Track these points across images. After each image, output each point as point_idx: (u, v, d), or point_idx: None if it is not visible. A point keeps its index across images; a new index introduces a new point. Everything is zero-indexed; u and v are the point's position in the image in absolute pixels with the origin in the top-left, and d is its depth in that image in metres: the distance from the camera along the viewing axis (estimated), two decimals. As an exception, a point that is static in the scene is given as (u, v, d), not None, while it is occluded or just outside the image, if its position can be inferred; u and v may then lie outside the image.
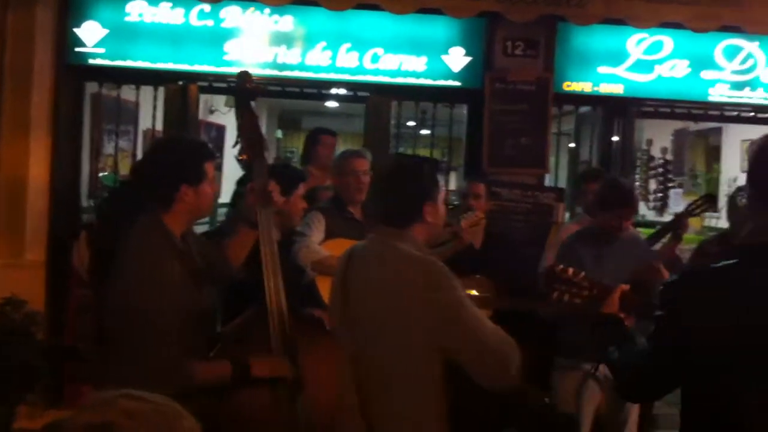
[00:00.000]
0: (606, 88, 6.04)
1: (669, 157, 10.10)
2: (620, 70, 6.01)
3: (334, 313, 2.64)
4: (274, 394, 2.74)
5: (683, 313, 1.91)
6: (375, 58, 5.93)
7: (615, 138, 6.45)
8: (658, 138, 10.17)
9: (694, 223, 6.75)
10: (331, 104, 9.45)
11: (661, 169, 9.90)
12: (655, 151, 10.26)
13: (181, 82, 6.00)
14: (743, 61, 6.08)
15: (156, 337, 2.53)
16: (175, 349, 2.54)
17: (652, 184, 10.11)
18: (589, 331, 2.43)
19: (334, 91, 6.36)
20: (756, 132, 7.56)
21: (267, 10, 5.85)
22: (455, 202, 5.55)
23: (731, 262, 1.91)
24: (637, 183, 10.20)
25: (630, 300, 2.46)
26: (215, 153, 3.00)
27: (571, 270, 2.55)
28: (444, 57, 5.98)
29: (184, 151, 2.80)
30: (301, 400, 2.76)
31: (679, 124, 9.47)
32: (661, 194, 9.81)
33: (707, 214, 7.07)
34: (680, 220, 4.72)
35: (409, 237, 2.46)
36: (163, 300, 2.56)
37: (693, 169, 10.14)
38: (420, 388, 2.36)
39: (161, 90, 6.10)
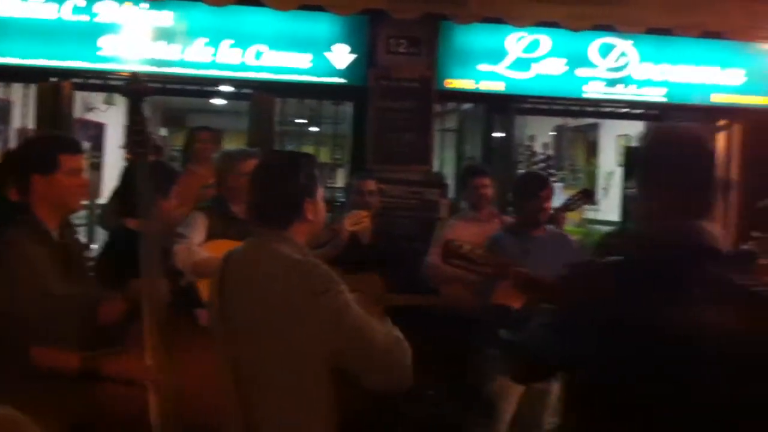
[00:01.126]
0: (487, 86, 6.16)
1: (550, 152, 10.40)
2: (500, 68, 6.15)
3: (211, 315, 2.57)
4: (127, 391, 2.70)
5: (573, 305, 1.95)
6: (258, 55, 5.86)
7: (497, 134, 6.60)
8: (539, 134, 10.45)
9: (573, 216, 6.97)
10: (218, 102, 9.28)
11: (543, 164, 10.19)
12: (538, 147, 10.55)
13: (54, 79, 5.76)
14: (617, 59, 6.32)
15: (11, 324, 2.63)
16: (27, 334, 2.62)
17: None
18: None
19: (217, 88, 6.25)
20: (631, 128, 7.91)
21: (145, 5, 5.69)
22: (341, 200, 5.55)
23: (619, 258, 1.95)
24: (521, 178, 10.44)
25: (529, 281, 2.45)
26: (80, 147, 2.97)
27: (467, 246, 2.55)
28: (328, 54, 5.97)
29: (35, 142, 3.03)
30: (174, 398, 2.70)
31: (559, 120, 9.77)
32: (543, 189, 10.09)
33: (587, 207, 7.34)
34: (557, 215, 4.86)
35: (288, 238, 2.36)
36: (22, 289, 2.66)
37: (573, 163, 10.47)
38: (303, 394, 2.29)
39: (34, 87, 5.85)
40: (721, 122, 6.84)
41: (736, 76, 6.49)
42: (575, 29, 5.84)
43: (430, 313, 4.43)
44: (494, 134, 6.62)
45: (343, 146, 6.79)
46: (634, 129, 7.90)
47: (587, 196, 5.08)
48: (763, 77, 6.53)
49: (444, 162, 7.05)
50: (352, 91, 6.09)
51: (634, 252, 1.95)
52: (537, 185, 4.33)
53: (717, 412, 1.79)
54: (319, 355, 2.26)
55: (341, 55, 5.99)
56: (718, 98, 6.50)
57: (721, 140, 6.88)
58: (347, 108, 6.44)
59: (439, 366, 4.51)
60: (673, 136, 1.98)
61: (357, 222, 4.53)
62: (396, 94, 5.93)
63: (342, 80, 6.01)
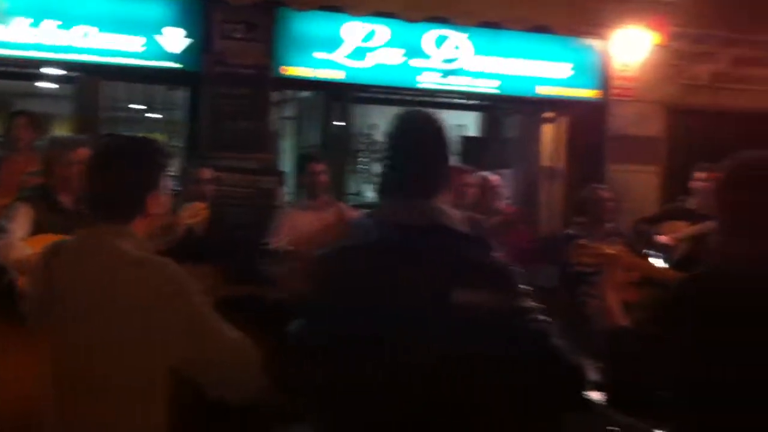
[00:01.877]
0: (325, 74, 6.17)
1: (386, 141, 10.53)
2: (338, 57, 6.16)
3: (33, 313, 2.37)
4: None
5: (318, 286, 1.99)
6: (86, 36, 5.58)
7: (337, 123, 6.62)
8: (380, 123, 10.57)
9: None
10: (45, 85, 8.77)
11: (382, 153, 10.32)
12: (378, 136, 10.67)
13: None
14: (451, 51, 6.48)
15: None
16: None
17: (376, 167, 10.50)
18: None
19: (41, 70, 5.91)
20: (466, 118, 8.15)
21: (-42, -20, 5.30)
22: (176, 189, 5.38)
23: (358, 240, 1.99)
24: (363, 166, 10.57)
25: None
26: None
27: (273, 244, 2.54)
28: (161, 38, 5.77)
29: None
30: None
31: (399, 110, 9.90)
32: (384, 177, 10.24)
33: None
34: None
35: (129, 233, 2.15)
36: None
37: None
38: (139, 401, 2.10)
39: None
40: (549, 114, 7.16)
41: (562, 69, 6.81)
42: (411, 20, 5.94)
43: (270, 304, 4.40)
44: (333, 123, 6.64)
45: (178, 133, 6.61)
46: (470, 120, 8.16)
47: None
48: (589, 71, 6.89)
49: (284, 150, 7.00)
50: (186, 76, 5.93)
51: (373, 233, 1.98)
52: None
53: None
54: (163, 361, 2.08)
55: (175, 39, 5.81)
56: (545, 90, 6.80)
57: (548, 131, 7.22)
58: (183, 94, 6.26)
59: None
60: (404, 121, 2.03)
61: (194, 214, 4.41)
62: (232, 81, 5.82)
63: (176, 65, 5.84)
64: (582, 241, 3.56)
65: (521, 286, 1.90)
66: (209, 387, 2.13)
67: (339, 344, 1.90)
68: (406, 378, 1.82)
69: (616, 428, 3.28)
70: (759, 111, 7.40)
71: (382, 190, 2.02)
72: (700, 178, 6.16)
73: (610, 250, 3.04)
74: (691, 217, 5.75)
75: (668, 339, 2.00)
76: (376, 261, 1.90)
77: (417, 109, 2.12)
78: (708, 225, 5.51)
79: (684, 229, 5.60)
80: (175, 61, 5.83)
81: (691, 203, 6.05)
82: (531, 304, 1.90)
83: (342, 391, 1.91)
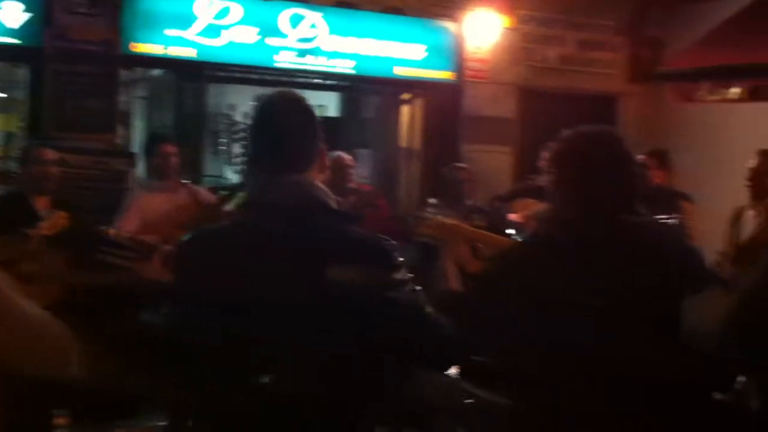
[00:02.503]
0: (177, 51, 5.98)
1: (251, 121, 10.39)
2: (190, 34, 5.99)
3: None
4: None
5: (185, 275, 1.95)
6: None
7: (193, 103, 6.44)
8: (240, 103, 10.39)
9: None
10: None
11: (243, 133, 10.16)
12: (238, 116, 10.48)
13: None
14: (306, 30, 6.42)
15: None
16: None
17: (236, 148, 10.33)
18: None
19: None
20: (326, 98, 8.11)
21: None
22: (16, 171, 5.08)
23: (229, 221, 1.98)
24: (222, 147, 10.36)
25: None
26: None
27: (112, 230, 2.45)
28: (-2, 12, 5.43)
29: None
30: None
31: (259, 89, 9.76)
32: (244, 157, 10.08)
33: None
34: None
35: None
36: None
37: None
38: None
39: None
40: (406, 95, 7.24)
41: (418, 51, 6.89)
42: (265, -2, 5.85)
43: (117, 290, 4.24)
44: (188, 103, 6.46)
45: (19, 112, 6.24)
46: (330, 100, 8.13)
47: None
48: (443, 53, 7.01)
49: (135, 131, 6.74)
50: (26, 52, 5.61)
51: (246, 212, 1.98)
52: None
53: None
54: None
55: (13, 13, 5.47)
56: (403, 71, 6.86)
57: (406, 112, 7.30)
58: (23, 71, 5.92)
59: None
60: (271, 100, 2.02)
61: (53, 225, 4.14)
62: (76, 58, 5.55)
63: (15, 40, 5.50)
64: (424, 215, 3.62)
65: (396, 260, 1.92)
66: (13, 366, 2.05)
67: (210, 333, 1.84)
68: (278, 362, 1.81)
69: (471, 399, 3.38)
70: (603, 92, 7.77)
71: (252, 169, 2.00)
72: (545, 158, 6.42)
73: (448, 221, 3.12)
74: (541, 194, 5.98)
75: (488, 306, 2.08)
76: (247, 243, 1.87)
77: (284, 89, 2.11)
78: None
79: (534, 206, 5.83)
80: (14, 37, 5.50)
81: (541, 181, 6.30)
82: (406, 276, 1.92)
83: (213, 378, 1.86)
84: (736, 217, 5.18)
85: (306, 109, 1.99)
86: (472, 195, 5.49)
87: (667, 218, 5.01)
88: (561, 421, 2.04)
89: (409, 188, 7.30)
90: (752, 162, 5.03)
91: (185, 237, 1.98)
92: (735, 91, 5.62)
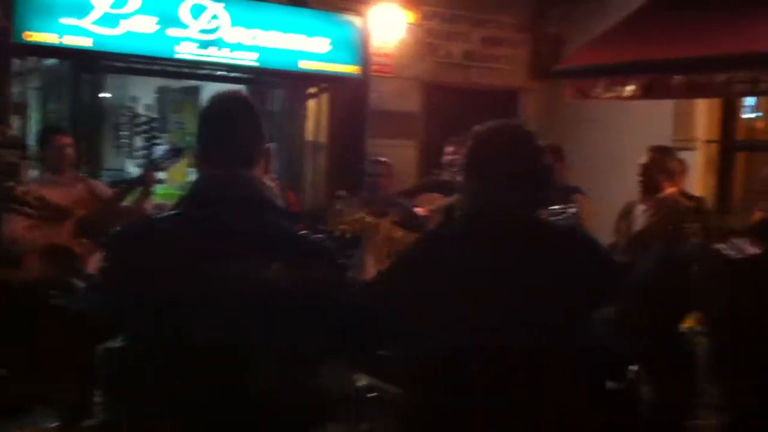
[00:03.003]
0: (72, 41, 5.77)
1: (154, 114, 10.16)
2: (86, 23, 5.79)
3: None
4: None
5: (114, 265, 1.94)
6: None
7: (90, 93, 6.25)
8: (142, 95, 10.15)
9: (176, 177, 6.88)
10: None
11: (145, 126, 9.93)
12: (140, 108, 10.24)
13: None
14: (209, 21, 6.31)
15: None
16: None
17: (138, 141, 10.10)
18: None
19: None
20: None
21: None
22: None
23: (170, 212, 1.97)
24: (124, 140, 10.12)
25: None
26: None
27: (24, 189, 2.42)
28: None
29: None
30: None
31: (161, 81, 9.56)
32: (147, 151, 9.85)
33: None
34: (147, 174, 4.75)
35: None
36: None
37: (182, 125, 10.34)
38: None
39: None
40: (312, 89, 7.21)
41: (323, 44, 6.86)
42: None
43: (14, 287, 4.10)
44: (85, 94, 6.26)
45: None
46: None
47: (177, 154, 5.00)
48: (348, 47, 7.00)
49: (30, 123, 6.49)
50: None
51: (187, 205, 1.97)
52: None
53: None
54: None
55: None
56: (308, 65, 6.82)
57: (311, 106, 7.27)
58: None
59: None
60: (219, 99, 2.06)
61: None
62: (-37, 46, 5.30)
63: None
64: (339, 209, 3.63)
65: (338, 259, 2.01)
66: None
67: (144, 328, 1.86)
68: (216, 358, 1.81)
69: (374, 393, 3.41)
70: (505, 88, 7.92)
71: (200, 163, 2.01)
72: (449, 152, 6.51)
73: (368, 218, 3.14)
74: (446, 189, 6.06)
75: (394, 299, 2.11)
76: (185, 236, 1.88)
77: (231, 90, 2.18)
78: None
79: (439, 200, 5.90)
80: None
81: (446, 175, 6.38)
82: (344, 275, 2.03)
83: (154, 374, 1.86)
84: (627, 211, 5.37)
85: (254, 109, 2.06)
86: (389, 189, 5.53)
87: (563, 209, 5.16)
88: (461, 412, 2.07)
89: (315, 182, 7.28)
90: (644, 158, 5.21)
91: (117, 229, 1.97)
92: (630, 88, 5.81)
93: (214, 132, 2.01)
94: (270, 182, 2.17)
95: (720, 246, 3.43)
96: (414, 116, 7.44)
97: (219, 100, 2.05)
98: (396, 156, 7.00)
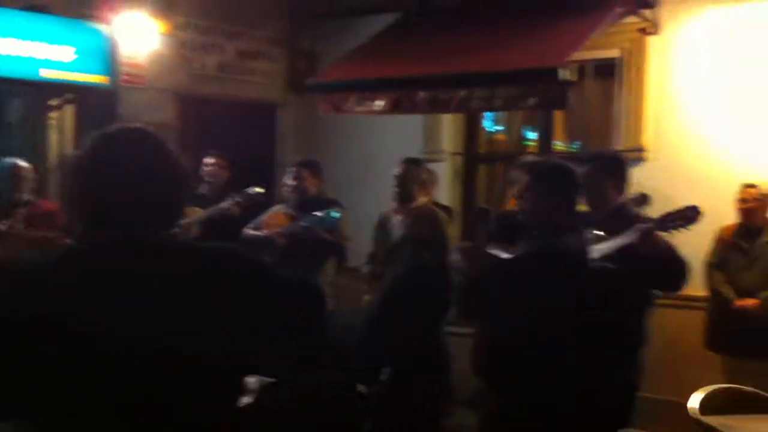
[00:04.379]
0: None
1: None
2: None
3: None
4: None
5: None
6: None
7: None
8: None
9: None
10: None
11: None
12: None
13: None
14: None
15: None
16: None
17: None
18: None
19: None
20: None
21: None
22: None
23: None
24: None
25: None
26: None
27: None
28: None
29: None
30: None
31: None
32: None
33: None
34: None
35: None
36: None
37: None
38: None
39: None
40: (54, 99, 6.79)
41: (66, 52, 6.48)
42: None
43: None
44: None
45: None
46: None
47: None
48: (95, 56, 6.66)
49: None
50: None
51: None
52: None
53: None
54: None
55: None
56: (48, 74, 6.41)
57: (54, 117, 6.85)
58: None
59: None
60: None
61: None
62: None
63: None
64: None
65: None
66: None
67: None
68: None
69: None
70: (263, 101, 7.95)
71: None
72: (208, 164, 6.43)
73: None
74: (203, 201, 5.97)
75: None
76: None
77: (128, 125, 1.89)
78: (218, 208, 5.80)
79: (195, 213, 5.79)
80: None
81: (203, 188, 6.28)
82: None
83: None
84: (383, 222, 5.59)
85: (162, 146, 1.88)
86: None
87: (320, 219, 5.28)
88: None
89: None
90: (397, 169, 5.45)
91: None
92: (379, 103, 6.05)
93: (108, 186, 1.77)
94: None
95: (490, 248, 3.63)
96: (168, 128, 7.22)
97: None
98: (150, 169, 6.78)
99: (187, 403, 1.72)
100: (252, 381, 2.98)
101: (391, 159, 5.57)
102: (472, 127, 7.45)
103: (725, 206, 5.38)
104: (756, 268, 5.36)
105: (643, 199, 4.77)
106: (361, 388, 3.48)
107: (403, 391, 4.27)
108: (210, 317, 1.74)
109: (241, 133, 7.55)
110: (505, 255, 3.35)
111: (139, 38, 6.76)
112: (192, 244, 2.12)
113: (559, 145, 7.01)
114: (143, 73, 6.96)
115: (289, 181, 5.73)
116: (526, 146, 7.35)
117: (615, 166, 3.95)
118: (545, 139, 7.03)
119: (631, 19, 6.29)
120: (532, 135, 7.35)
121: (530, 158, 5.32)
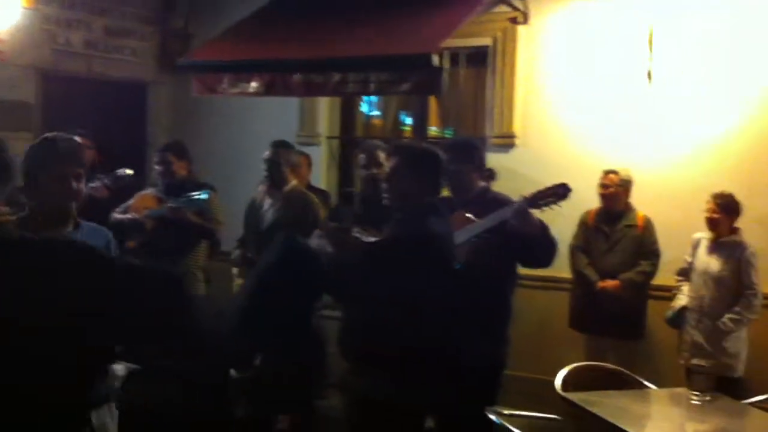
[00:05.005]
0: None
1: None
2: None
3: None
4: None
5: None
6: None
7: None
8: None
9: None
10: None
11: None
12: None
13: None
14: None
15: None
16: None
17: None
18: None
19: None
20: None
21: None
22: None
23: None
24: None
25: None
26: None
27: None
28: None
29: None
30: None
31: None
32: None
33: None
34: None
35: None
36: None
37: None
38: None
39: None
40: None
41: None
42: None
43: None
44: None
45: None
46: None
47: None
48: None
49: None
50: None
51: None
52: None
53: None
54: None
55: None
56: None
57: None
58: None
59: None
60: None
61: None
62: None
63: None
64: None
65: None
66: None
67: None
68: None
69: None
70: (133, 80, 7.68)
71: None
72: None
73: None
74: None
75: None
76: None
77: None
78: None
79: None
80: None
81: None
82: None
83: None
84: (255, 206, 5.51)
85: None
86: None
87: (187, 201, 5.15)
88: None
89: None
90: (267, 153, 5.37)
91: None
92: (254, 85, 5.94)
93: None
94: None
95: (354, 231, 3.65)
96: (29, 106, 6.89)
97: None
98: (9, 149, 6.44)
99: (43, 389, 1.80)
100: (119, 368, 2.90)
101: (267, 142, 5.48)
102: (348, 111, 7.46)
103: (590, 191, 5.59)
104: (617, 251, 5.60)
105: (490, 175, 4.91)
106: (233, 373, 3.43)
107: (276, 376, 4.24)
108: (49, 308, 1.78)
109: (110, 113, 7.28)
110: (370, 238, 3.38)
111: (0, 12, 6.39)
112: (27, 237, 2.05)
113: (434, 130, 7.11)
114: (3, 48, 6.58)
115: (156, 165, 5.57)
116: (402, 131, 7.42)
117: (472, 151, 4.04)
118: (420, 124, 7.12)
119: (502, 8, 6.44)
120: (408, 120, 7.42)
121: (376, 142, 5.33)
